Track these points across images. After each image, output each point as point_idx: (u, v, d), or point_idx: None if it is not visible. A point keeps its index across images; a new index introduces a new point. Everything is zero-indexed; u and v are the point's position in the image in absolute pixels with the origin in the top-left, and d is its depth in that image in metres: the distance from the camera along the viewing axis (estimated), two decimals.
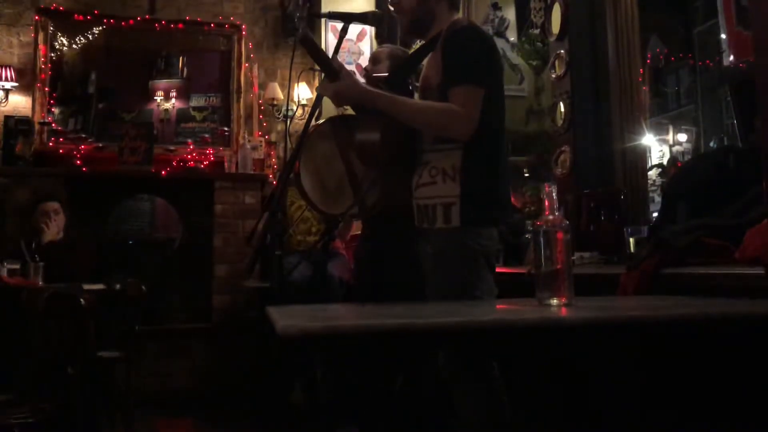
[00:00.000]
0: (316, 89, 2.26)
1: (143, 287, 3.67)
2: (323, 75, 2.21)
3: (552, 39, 3.87)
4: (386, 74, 2.67)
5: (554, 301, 1.55)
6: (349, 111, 2.52)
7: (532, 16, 4.55)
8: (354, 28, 5.14)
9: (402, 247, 2.99)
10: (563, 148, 3.68)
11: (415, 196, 2.18)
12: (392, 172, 2.30)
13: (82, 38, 5.38)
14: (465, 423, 2.01)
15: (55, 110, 5.28)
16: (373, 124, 2.19)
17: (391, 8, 2.38)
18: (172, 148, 5.36)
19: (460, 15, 2.24)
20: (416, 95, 2.34)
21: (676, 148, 7.73)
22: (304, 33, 2.19)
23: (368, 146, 2.24)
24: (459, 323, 1.37)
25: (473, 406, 1.99)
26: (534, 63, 5.41)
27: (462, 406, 2.01)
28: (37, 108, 5.13)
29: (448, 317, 1.43)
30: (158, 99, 5.53)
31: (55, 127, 5.21)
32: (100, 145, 5.22)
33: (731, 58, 3.97)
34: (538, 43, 5.29)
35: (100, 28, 5.40)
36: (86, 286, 3.48)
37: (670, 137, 7.79)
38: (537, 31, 5.05)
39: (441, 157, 2.08)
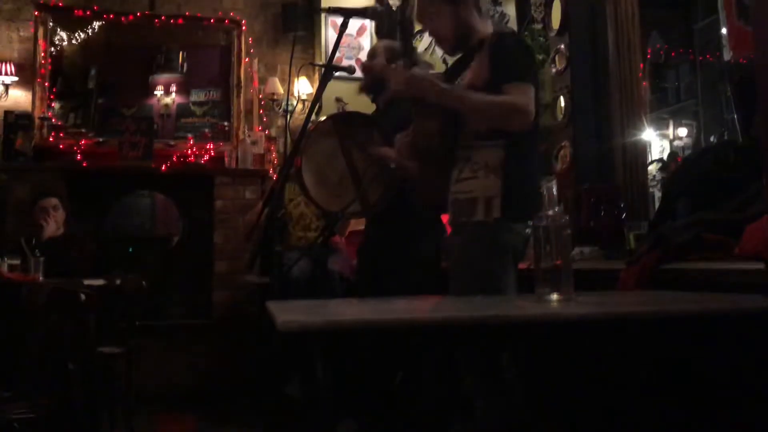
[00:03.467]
0: (391, 69, 2.26)
1: (143, 283, 3.67)
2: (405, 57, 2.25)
3: (552, 34, 3.88)
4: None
5: (554, 297, 1.55)
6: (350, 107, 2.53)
7: (533, 12, 4.54)
8: (354, 24, 5.13)
9: (404, 245, 3.01)
10: (563, 143, 3.68)
11: (453, 190, 2.23)
12: (429, 167, 2.32)
13: (81, 33, 5.37)
14: (478, 417, 2.04)
15: (55, 105, 5.28)
16: (432, 117, 2.23)
17: (431, 37, 2.44)
18: (172, 143, 5.35)
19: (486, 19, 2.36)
20: None
21: (677, 142, 7.74)
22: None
23: (426, 137, 2.28)
24: (458, 319, 1.37)
25: (483, 400, 2.02)
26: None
27: (474, 400, 2.05)
28: (37, 103, 5.12)
29: (448, 313, 1.43)
30: (158, 94, 5.52)
31: (55, 122, 5.20)
32: (100, 140, 5.22)
33: (732, 53, 3.96)
34: (541, 38, 5.28)
35: (100, 23, 5.39)
36: (86, 282, 3.47)
37: (670, 132, 7.79)
38: (540, 26, 5.05)
39: (484, 153, 2.14)
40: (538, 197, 2.16)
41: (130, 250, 5.44)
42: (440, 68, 5.70)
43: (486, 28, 2.30)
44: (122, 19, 5.39)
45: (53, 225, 4.15)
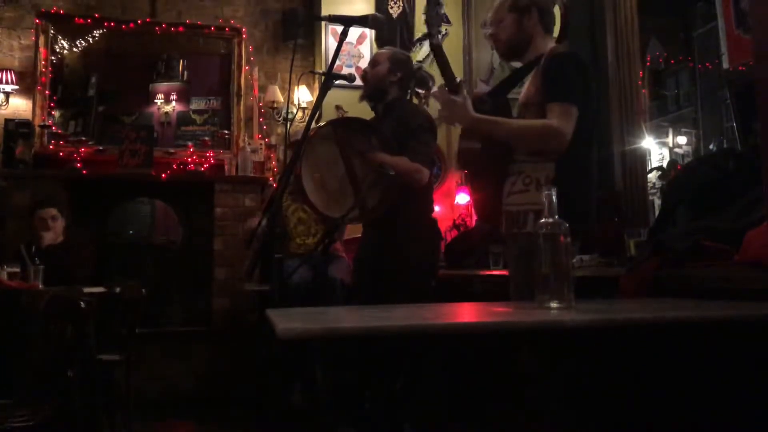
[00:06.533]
0: (434, 94, 2.42)
1: (143, 290, 3.66)
2: (445, 83, 2.34)
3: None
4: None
5: (554, 304, 1.55)
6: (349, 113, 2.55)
7: None
8: (354, 32, 5.15)
9: (401, 251, 3.01)
10: None
11: (506, 202, 2.31)
12: (480, 181, 2.42)
13: (82, 41, 5.38)
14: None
15: (56, 113, 5.28)
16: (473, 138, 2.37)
17: (486, 36, 2.57)
18: (172, 151, 5.35)
19: (553, 38, 2.48)
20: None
21: (676, 150, 7.74)
22: (438, 42, 2.42)
23: (469, 155, 2.40)
24: (457, 326, 1.37)
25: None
26: None
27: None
28: (38, 111, 5.13)
29: (449, 320, 1.43)
30: (158, 102, 5.53)
31: (55, 130, 5.20)
32: (101, 148, 5.21)
33: (731, 61, 3.97)
34: None
35: (101, 31, 5.39)
36: (86, 289, 3.47)
37: (669, 140, 7.80)
38: None
39: (536, 168, 2.23)
40: (590, 211, 2.29)
41: (130, 245, 5.45)
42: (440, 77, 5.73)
43: (547, 45, 2.38)
44: (123, 26, 5.39)
45: (52, 234, 4.15)
